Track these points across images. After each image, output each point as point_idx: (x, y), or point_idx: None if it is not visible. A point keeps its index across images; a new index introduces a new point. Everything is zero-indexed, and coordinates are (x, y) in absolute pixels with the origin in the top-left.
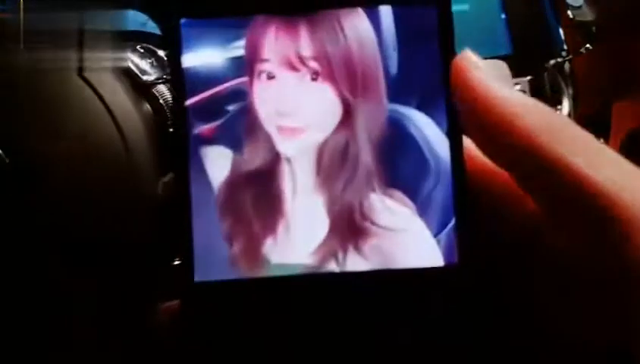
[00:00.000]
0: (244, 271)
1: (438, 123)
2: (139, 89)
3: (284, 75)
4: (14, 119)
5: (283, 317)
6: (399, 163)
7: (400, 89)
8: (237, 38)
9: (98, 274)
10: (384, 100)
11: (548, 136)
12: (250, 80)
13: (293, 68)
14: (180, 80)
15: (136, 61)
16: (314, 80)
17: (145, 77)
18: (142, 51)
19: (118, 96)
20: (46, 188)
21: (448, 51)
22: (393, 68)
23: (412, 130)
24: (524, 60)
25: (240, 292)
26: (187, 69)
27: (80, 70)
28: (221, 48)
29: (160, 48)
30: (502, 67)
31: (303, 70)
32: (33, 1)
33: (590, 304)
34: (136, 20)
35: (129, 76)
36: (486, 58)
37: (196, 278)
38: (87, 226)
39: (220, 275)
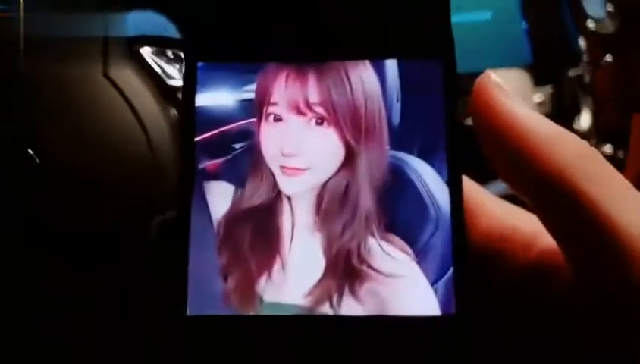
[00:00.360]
0: (237, 308)
1: (439, 172)
2: (166, 92)
3: (291, 118)
4: (44, 121)
5: (273, 357)
6: (398, 209)
7: (402, 137)
8: (249, 82)
9: (123, 271)
10: (386, 147)
11: (577, 170)
12: (258, 121)
13: (300, 112)
14: (191, 117)
15: (163, 66)
16: (319, 124)
17: (171, 82)
18: (171, 57)
19: (145, 99)
20: (74, 187)
21: (450, 102)
22: (396, 117)
23: (413, 177)
24: (544, 70)
25: (232, 328)
26: (199, 108)
27: (107, 73)
28: (233, 91)
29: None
30: (523, 76)
31: (310, 114)
32: (55, 5)
33: (593, 336)
34: (156, 21)
35: (156, 80)
36: (507, 68)
37: (189, 312)
38: (115, 224)
39: (212, 310)
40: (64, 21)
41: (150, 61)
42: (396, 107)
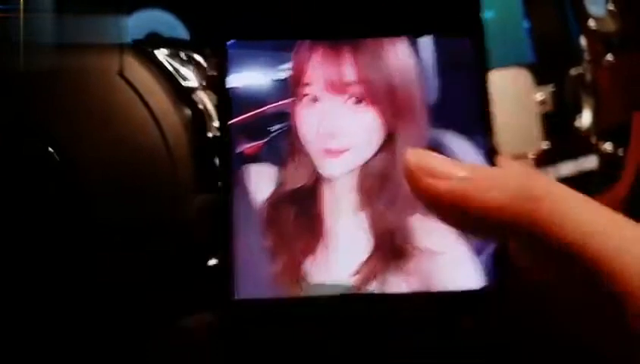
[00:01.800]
0: (284, 290)
1: (476, 146)
2: (180, 94)
3: (328, 98)
4: (63, 118)
5: (321, 337)
6: None
7: (439, 115)
8: (283, 61)
9: (133, 274)
10: (425, 125)
11: (519, 204)
12: (294, 102)
13: (337, 92)
14: (225, 99)
15: (177, 67)
16: (357, 103)
17: (185, 83)
18: (184, 58)
19: (161, 99)
20: (92, 186)
21: (483, 78)
22: (433, 95)
23: (450, 154)
24: (547, 68)
25: (280, 310)
26: (232, 89)
27: (122, 73)
28: (267, 70)
29: (197, 53)
30: (525, 75)
31: (346, 94)
32: (68, 4)
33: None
34: (165, 21)
35: (170, 81)
36: (509, 66)
37: (236, 295)
38: (130, 224)
39: (259, 293)
40: (73, 24)
41: (165, 63)
42: (433, 84)
